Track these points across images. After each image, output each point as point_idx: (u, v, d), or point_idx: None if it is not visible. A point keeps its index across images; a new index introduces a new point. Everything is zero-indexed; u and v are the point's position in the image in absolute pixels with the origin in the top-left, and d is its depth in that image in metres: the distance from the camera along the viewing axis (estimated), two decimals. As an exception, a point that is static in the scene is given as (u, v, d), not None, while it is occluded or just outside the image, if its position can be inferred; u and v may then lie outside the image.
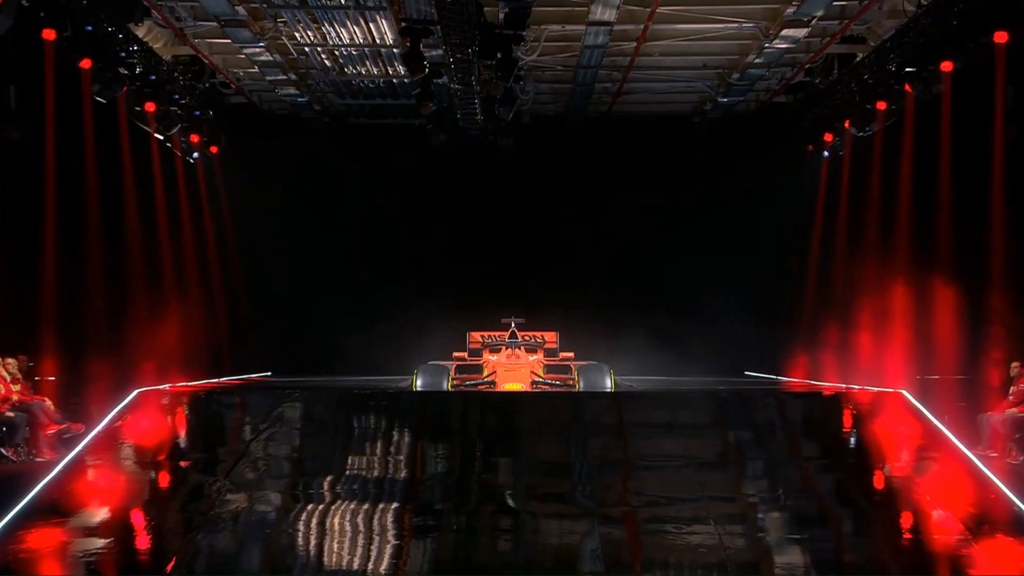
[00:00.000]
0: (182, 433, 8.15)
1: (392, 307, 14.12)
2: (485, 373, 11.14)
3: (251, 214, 14.25)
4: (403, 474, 7.16)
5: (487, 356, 11.77)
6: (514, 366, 10.53)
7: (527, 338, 12.13)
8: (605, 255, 14.67)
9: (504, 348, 11.44)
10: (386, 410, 8.10)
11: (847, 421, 8.08)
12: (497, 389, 9.82)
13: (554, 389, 10.45)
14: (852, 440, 7.84)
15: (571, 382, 10.69)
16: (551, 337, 12.59)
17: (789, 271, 14.29)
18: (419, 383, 10.02)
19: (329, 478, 6.97)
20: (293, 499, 6.66)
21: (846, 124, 12.27)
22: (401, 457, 7.42)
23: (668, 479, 6.94)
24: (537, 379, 10.73)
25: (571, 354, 12.24)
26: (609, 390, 9.88)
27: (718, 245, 14.30)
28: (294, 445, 7.61)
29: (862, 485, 6.95)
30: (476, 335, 12.61)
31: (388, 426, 7.88)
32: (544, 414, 7.95)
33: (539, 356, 11.73)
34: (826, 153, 13.38)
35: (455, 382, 10.74)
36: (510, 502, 6.63)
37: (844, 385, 9.83)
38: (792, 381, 12.33)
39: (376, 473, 7.16)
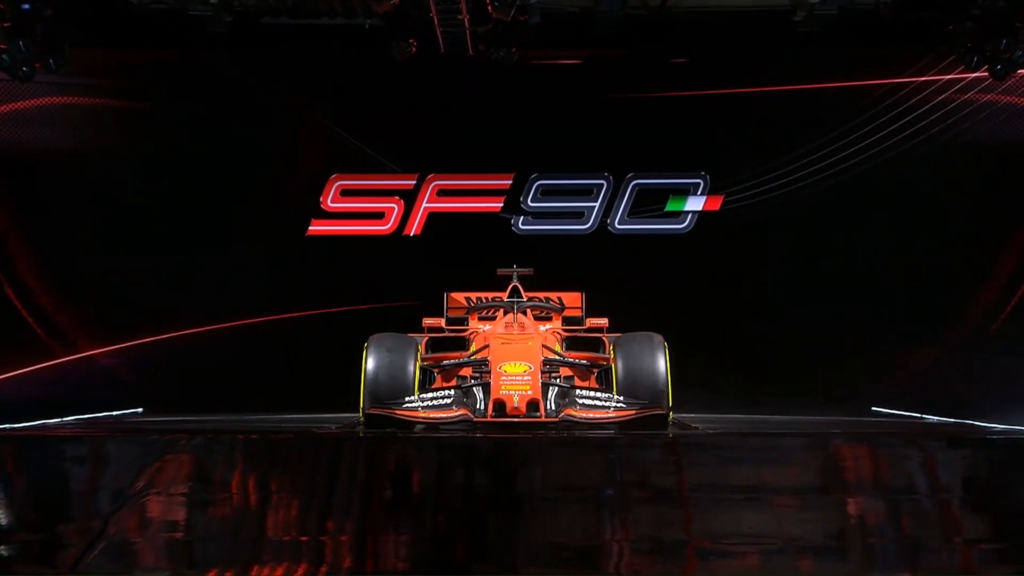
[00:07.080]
0: (3, 503, 8.17)
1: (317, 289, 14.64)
2: (472, 349, 10.98)
3: (112, 162, 14.27)
4: (346, 563, 7.19)
5: (475, 325, 11.81)
6: (517, 339, 10.17)
7: (537, 299, 12.08)
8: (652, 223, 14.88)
9: (502, 313, 11.41)
10: (321, 464, 8.13)
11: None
12: (492, 373, 9.68)
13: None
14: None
15: (604, 362, 10.56)
16: (573, 299, 12.65)
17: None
18: (370, 363, 9.88)
19: (232, 570, 7.00)
20: (177, 602, 6.70)
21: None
22: (343, 538, 7.46)
23: (754, 572, 6.97)
24: (553, 357, 10.55)
25: (603, 321, 12.21)
26: (663, 373, 9.83)
27: (832, 214, 14.34)
28: (179, 520, 7.64)
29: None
30: (458, 296, 12.67)
31: (324, 489, 7.91)
32: (564, 470, 7.97)
33: (555, 324, 11.74)
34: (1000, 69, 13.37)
35: (426, 363, 10.52)
36: (511, 606, 6.68)
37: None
38: (945, 422, 12.36)
39: (305, 561, 7.20)
